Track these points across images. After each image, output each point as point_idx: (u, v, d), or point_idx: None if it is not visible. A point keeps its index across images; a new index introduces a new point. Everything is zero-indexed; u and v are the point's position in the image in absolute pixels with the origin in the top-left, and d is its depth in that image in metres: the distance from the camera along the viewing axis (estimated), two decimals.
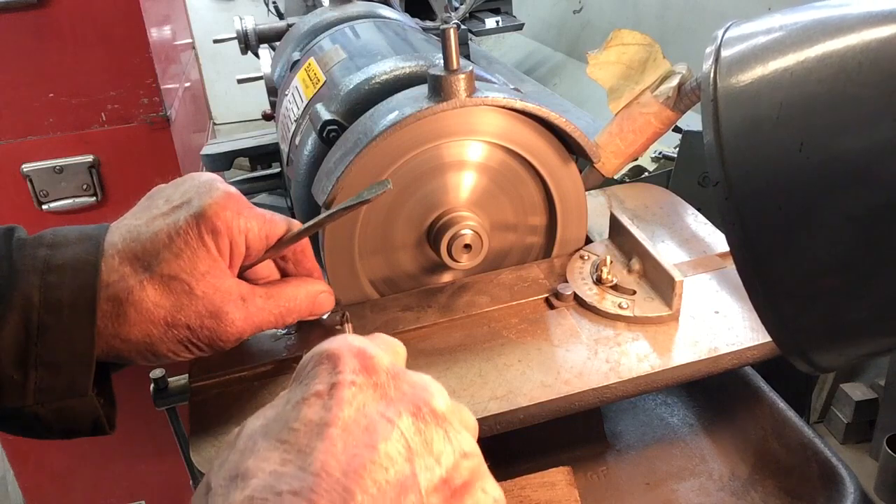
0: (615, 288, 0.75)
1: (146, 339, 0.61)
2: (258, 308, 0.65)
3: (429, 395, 0.44)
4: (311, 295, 0.69)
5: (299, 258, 0.71)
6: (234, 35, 1.46)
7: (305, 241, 0.70)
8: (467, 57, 1.23)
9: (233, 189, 0.66)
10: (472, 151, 0.77)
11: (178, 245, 0.62)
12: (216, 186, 0.65)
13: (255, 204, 0.72)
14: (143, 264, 0.61)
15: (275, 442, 0.41)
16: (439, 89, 0.71)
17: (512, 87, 0.84)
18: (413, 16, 1.48)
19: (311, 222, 0.68)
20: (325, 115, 0.79)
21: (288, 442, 0.40)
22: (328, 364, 0.44)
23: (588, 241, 0.84)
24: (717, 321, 0.71)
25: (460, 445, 0.44)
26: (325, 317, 0.73)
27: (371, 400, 0.43)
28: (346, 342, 0.46)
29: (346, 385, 0.43)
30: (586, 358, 0.68)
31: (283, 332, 0.75)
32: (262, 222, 0.66)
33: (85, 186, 1.57)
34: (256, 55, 1.47)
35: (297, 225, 0.69)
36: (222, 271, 0.63)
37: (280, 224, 0.68)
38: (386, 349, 0.47)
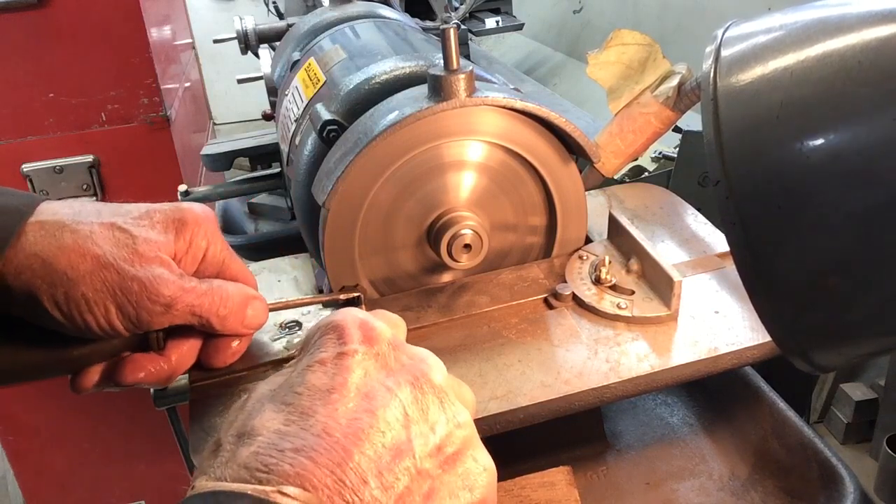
0: (614, 288, 0.75)
1: (69, 271, 0.57)
2: (191, 285, 0.62)
3: (427, 367, 0.48)
4: (242, 291, 0.66)
5: (223, 269, 0.68)
6: (234, 35, 1.46)
7: (227, 258, 0.68)
8: (467, 57, 1.22)
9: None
10: (472, 151, 0.77)
11: (140, 212, 0.62)
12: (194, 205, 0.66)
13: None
14: (98, 211, 0.61)
15: (280, 405, 0.44)
16: (439, 89, 0.71)
17: (512, 87, 0.84)
18: (413, 16, 1.48)
19: None
20: (325, 115, 0.79)
21: (292, 405, 0.43)
22: (333, 335, 0.48)
23: (588, 240, 0.84)
24: (716, 321, 0.71)
25: (455, 416, 0.46)
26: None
27: (373, 369, 0.46)
28: (350, 315, 0.49)
29: (350, 354, 0.46)
30: (586, 358, 0.68)
31: (283, 331, 0.75)
32: (229, 255, 0.67)
33: (85, 186, 1.57)
34: (256, 55, 1.47)
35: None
36: (169, 248, 0.62)
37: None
38: (387, 323, 0.50)
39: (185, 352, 0.65)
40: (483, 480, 0.46)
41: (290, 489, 0.39)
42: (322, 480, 0.39)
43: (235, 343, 0.68)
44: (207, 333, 0.66)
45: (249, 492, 0.38)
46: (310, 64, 0.99)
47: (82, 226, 0.59)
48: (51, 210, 0.59)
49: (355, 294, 0.76)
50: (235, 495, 0.39)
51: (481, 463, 0.47)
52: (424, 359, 0.49)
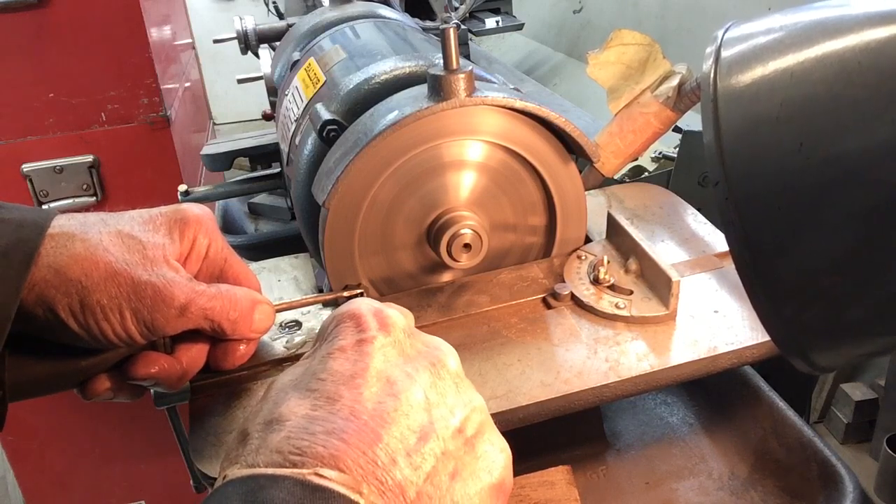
0: (612, 288, 0.75)
1: (84, 279, 0.57)
2: (202, 288, 0.63)
3: (442, 354, 0.50)
4: (250, 295, 0.66)
5: (226, 268, 0.68)
6: (234, 35, 1.46)
7: (228, 256, 0.68)
8: (467, 57, 1.22)
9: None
10: (471, 151, 0.77)
11: (143, 218, 0.63)
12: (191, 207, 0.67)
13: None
14: (103, 220, 0.61)
15: (305, 391, 0.45)
16: (439, 89, 0.71)
17: (512, 87, 0.84)
18: (413, 16, 1.48)
19: None
20: (325, 115, 0.79)
21: (317, 391, 0.45)
22: (351, 323, 0.49)
23: (588, 240, 0.84)
24: (716, 320, 0.71)
25: (471, 400, 0.49)
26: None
27: (392, 355, 0.48)
28: (365, 304, 0.51)
29: (369, 341, 0.48)
30: (586, 357, 0.68)
31: (283, 331, 0.75)
32: (230, 253, 0.67)
33: (85, 186, 1.57)
34: (256, 55, 1.46)
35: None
36: (175, 251, 0.63)
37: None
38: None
39: (194, 355, 0.65)
40: (501, 462, 0.48)
41: (326, 471, 0.40)
42: (355, 461, 0.41)
43: (243, 346, 0.68)
44: (215, 338, 0.66)
45: (288, 474, 0.40)
46: (310, 64, 1.00)
47: (91, 235, 0.59)
48: (58, 223, 0.60)
49: (358, 291, 0.76)
50: (275, 478, 0.40)
51: (497, 446, 0.49)
52: (439, 346, 0.51)
